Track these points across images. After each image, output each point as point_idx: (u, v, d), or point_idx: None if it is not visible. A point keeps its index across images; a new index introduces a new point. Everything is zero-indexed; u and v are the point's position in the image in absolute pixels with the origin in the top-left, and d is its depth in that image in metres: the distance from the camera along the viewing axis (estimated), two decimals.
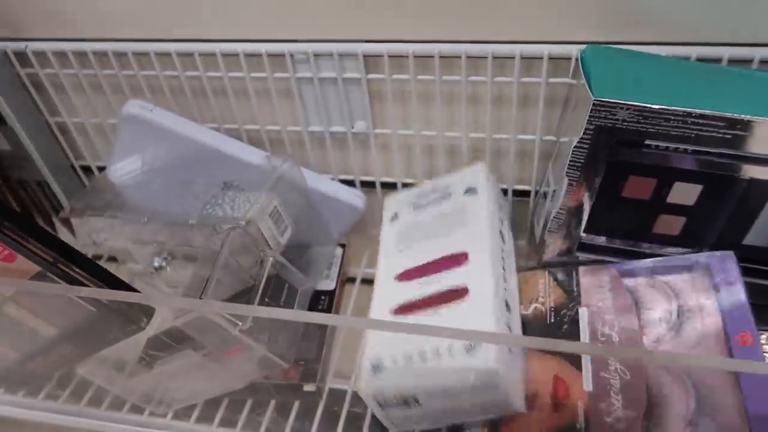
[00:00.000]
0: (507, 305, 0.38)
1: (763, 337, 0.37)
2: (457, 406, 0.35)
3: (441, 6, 0.41)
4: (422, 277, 0.40)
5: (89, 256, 0.58)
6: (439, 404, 0.35)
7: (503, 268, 0.40)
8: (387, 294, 0.40)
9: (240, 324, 0.36)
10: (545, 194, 0.44)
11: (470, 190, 0.44)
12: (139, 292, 0.37)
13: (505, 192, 0.49)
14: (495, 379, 0.33)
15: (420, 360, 0.34)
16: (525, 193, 0.49)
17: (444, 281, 0.39)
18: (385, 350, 0.36)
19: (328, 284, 0.50)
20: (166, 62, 0.48)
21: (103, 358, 0.42)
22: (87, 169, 0.58)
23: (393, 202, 0.48)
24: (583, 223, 0.40)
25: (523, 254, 0.52)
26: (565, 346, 0.24)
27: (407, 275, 0.41)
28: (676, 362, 0.34)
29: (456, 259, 0.40)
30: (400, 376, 0.34)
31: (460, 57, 0.42)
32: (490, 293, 0.36)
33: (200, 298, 0.36)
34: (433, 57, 0.42)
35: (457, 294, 0.38)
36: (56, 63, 0.49)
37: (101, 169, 0.56)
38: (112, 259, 0.57)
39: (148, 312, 0.37)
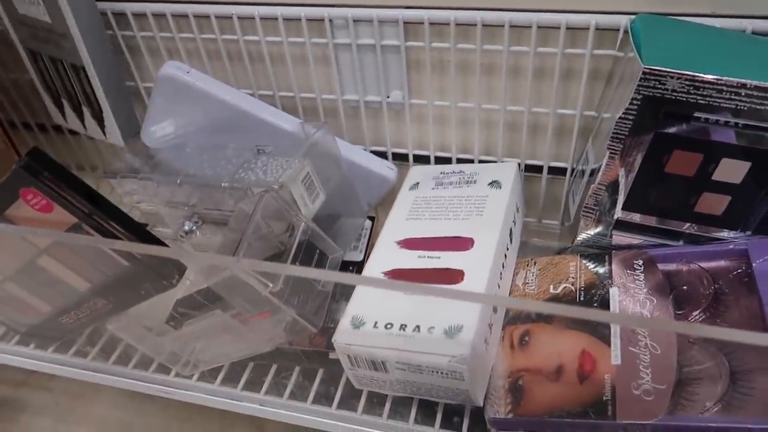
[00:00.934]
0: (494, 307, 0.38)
1: None
2: (421, 383, 0.36)
3: None
4: (423, 251, 0.40)
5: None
6: (405, 377, 0.36)
7: (503, 266, 0.41)
8: (384, 256, 0.41)
9: (271, 285, 0.36)
10: (582, 172, 0.43)
11: (495, 183, 0.44)
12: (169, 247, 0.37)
13: (540, 169, 0.48)
14: (463, 369, 0.33)
15: (399, 330, 0.35)
16: (561, 171, 0.47)
17: (443, 260, 0.39)
18: (370, 311, 0.37)
19: (357, 256, 0.49)
20: (204, 25, 0.47)
21: (134, 314, 0.42)
22: None
23: (417, 171, 0.48)
24: (621, 200, 0.39)
25: (556, 235, 0.51)
26: (565, 310, 0.23)
27: (409, 244, 0.41)
28: (696, 332, 0.34)
29: (462, 242, 0.40)
30: (375, 339, 0.35)
31: (503, 26, 0.41)
32: (483, 285, 0.37)
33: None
34: (475, 25, 0.41)
35: (451, 276, 0.38)
36: None
37: None
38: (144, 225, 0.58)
39: (180, 269, 0.37)
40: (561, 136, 0.46)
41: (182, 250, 0.42)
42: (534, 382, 0.36)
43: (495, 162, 0.49)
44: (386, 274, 0.40)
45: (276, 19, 0.45)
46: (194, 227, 0.48)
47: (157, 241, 0.36)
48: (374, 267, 0.41)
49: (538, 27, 0.40)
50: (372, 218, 0.52)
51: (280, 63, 0.48)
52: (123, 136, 0.53)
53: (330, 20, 0.44)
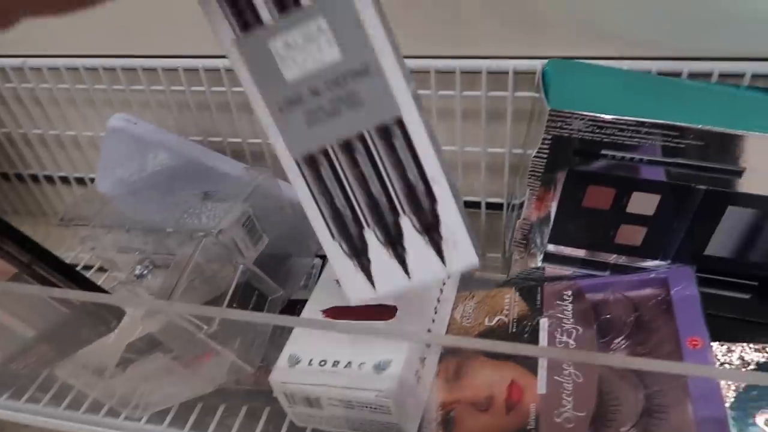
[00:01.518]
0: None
1: (724, 347, 0.37)
2: (355, 418, 0.36)
3: (411, 22, 0.42)
4: None
5: (82, 264, 0.60)
6: (339, 413, 0.36)
7: (438, 300, 0.42)
8: (324, 295, 0.42)
9: (205, 327, 0.37)
10: (514, 207, 0.45)
11: None
12: (106, 292, 0.38)
13: (477, 205, 0.49)
14: (389, 403, 0.34)
15: (332, 366, 0.36)
16: (499, 206, 0.49)
17: None
18: (306, 349, 0.38)
19: (306, 294, 0.50)
20: (152, 77, 0.50)
21: (81, 360, 0.43)
22: (81, 181, 0.60)
23: None
24: (548, 234, 0.41)
25: (498, 268, 0.53)
26: (489, 345, 0.24)
27: None
28: (611, 362, 0.35)
29: None
30: (309, 376, 0.36)
31: (429, 72, 0.43)
32: (415, 320, 0.38)
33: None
34: None
35: (385, 311, 0.39)
36: (50, 78, 0.51)
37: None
38: (103, 269, 0.59)
39: (118, 314, 0.38)
40: (497, 174, 0.48)
41: (119, 295, 0.43)
42: (465, 414, 0.37)
43: None
44: (325, 312, 0.41)
45: (219, 70, 0.47)
46: (145, 272, 0.49)
47: (94, 287, 0.37)
48: (314, 306, 0.42)
49: (462, 72, 0.42)
50: (323, 256, 0.54)
51: (227, 111, 0.50)
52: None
53: None
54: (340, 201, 0.30)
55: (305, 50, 0.27)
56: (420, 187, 0.29)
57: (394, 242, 0.30)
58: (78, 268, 0.59)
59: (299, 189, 0.30)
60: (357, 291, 0.31)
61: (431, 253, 0.30)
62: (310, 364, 0.37)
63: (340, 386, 0.36)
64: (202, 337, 0.37)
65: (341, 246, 0.31)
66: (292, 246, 0.51)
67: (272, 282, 0.43)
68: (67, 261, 0.59)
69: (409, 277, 0.30)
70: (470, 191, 0.50)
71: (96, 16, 0.48)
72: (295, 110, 0.28)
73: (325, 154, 0.29)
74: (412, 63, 0.42)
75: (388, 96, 0.27)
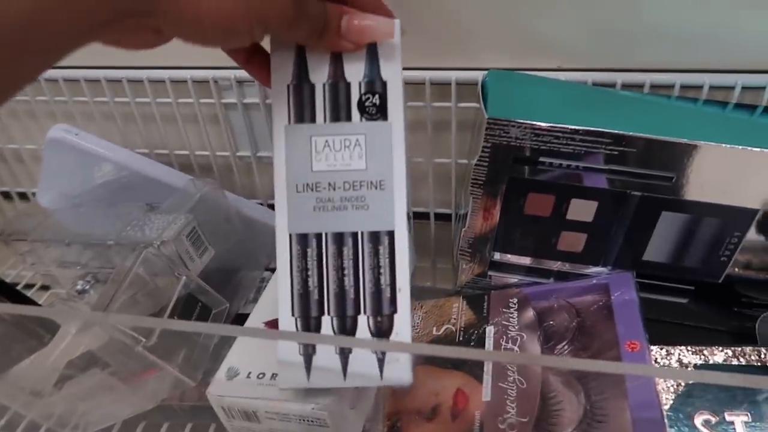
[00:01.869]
0: None
1: (663, 350, 0.37)
2: None
3: None
4: None
5: (24, 283, 0.58)
6: (277, 427, 0.36)
7: None
8: (267, 307, 0.42)
9: (144, 340, 0.36)
10: (461, 217, 0.45)
11: None
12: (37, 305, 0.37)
13: (426, 216, 0.50)
14: (325, 415, 0.34)
15: (270, 379, 0.36)
16: (449, 217, 0.50)
17: None
18: (245, 361, 0.37)
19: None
20: (96, 89, 0.49)
21: (16, 380, 0.41)
22: (23, 195, 0.58)
23: None
24: (492, 242, 0.41)
25: (449, 280, 0.53)
26: (433, 350, 0.24)
27: None
28: (552, 363, 0.35)
29: None
30: (247, 389, 0.35)
31: None
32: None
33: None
34: None
35: None
36: None
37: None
38: (45, 287, 0.57)
39: (51, 328, 0.37)
40: (444, 184, 0.49)
41: (50, 308, 0.41)
42: (411, 423, 0.37)
43: None
44: (267, 324, 0.41)
45: (164, 81, 0.46)
46: (87, 287, 0.48)
47: (25, 301, 0.36)
48: (257, 317, 0.41)
49: (407, 83, 0.43)
50: (273, 270, 0.53)
51: (173, 123, 0.49)
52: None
53: (215, 81, 0.46)
54: (313, 282, 0.33)
55: (338, 153, 0.33)
56: (387, 294, 0.33)
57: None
58: (19, 287, 0.58)
59: (281, 259, 0.33)
60: (290, 376, 0.33)
61: (373, 359, 0.33)
62: (248, 376, 0.36)
63: (277, 399, 0.35)
64: (141, 350, 0.36)
65: (297, 323, 0.33)
66: (240, 259, 0.51)
67: (217, 294, 0.43)
68: (8, 279, 0.57)
69: (344, 379, 0.32)
70: (419, 202, 0.50)
71: None
72: (309, 195, 0.33)
73: (318, 238, 0.33)
74: None
75: (389, 211, 0.32)
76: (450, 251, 0.52)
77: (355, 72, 0.33)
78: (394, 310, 0.33)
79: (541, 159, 0.37)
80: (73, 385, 0.40)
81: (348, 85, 0.33)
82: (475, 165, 0.38)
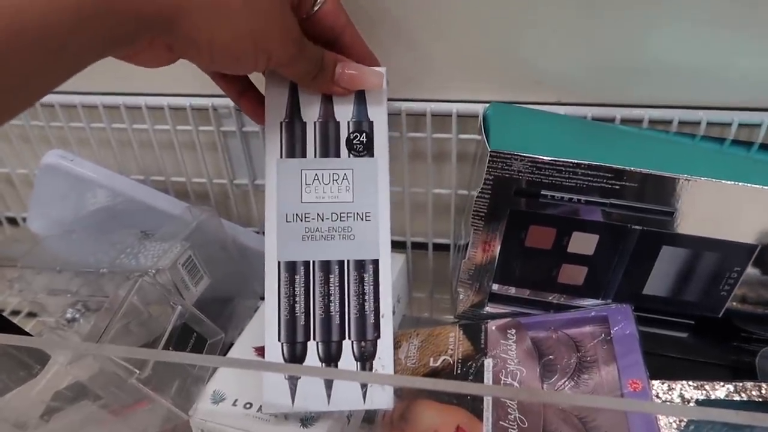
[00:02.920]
0: None
1: (664, 385, 0.37)
2: None
3: None
4: None
5: (10, 309, 0.57)
6: None
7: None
8: (256, 331, 0.41)
9: (137, 372, 0.35)
10: (460, 248, 0.45)
11: None
12: (28, 334, 0.36)
13: (425, 246, 0.49)
14: None
15: (257, 412, 0.35)
16: (447, 247, 0.49)
17: None
18: (232, 387, 0.37)
19: None
20: (93, 114, 0.48)
21: (0, 410, 0.40)
22: (13, 221, 0.57)
23: None
24: (493, 274, 0.41)
25: (447, 309, 0.52)
26: (430, 384, 0.24)
27: None
28: (554, 400, 0.35)
29: None
30: (232, 418, 0.35)
31: None
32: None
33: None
34: None
35: None
36: None
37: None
38: (33, 314, 0.56)
39: (41, 358, 0.36)
40: (443, 214, 0.49)
41: (41, 338, 0.40)
42: None
43: None
44: (257, 350, 0.40)
45: (162, 108, 0.46)
46: (77, 315, 0.47)
47: (14, 329, 0.35)
48: (246, 342, 0.41)
49: (407, 114, 0.43)
50: None
51: (171, 150, 0.49)
52: None
53: (215, 109, 0.46)
54: (300, 308, 0.35)
55: (327, 186, 0.35)
56: (371, 319, 0.35)
57: (331, 361, 0.35)
58: (5, 314, 0.56)
59: (269, 286, 0.35)
60: (275, 399, 0.34)
61: (356, 384, 0.34)
62: (234, 404, 0.36)
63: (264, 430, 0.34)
64: (135, 382, 0.35)
65: (282, 348, 0.34)
66: (235, 288, 0.50)
67: (212, 324, 0.42)
68: None
69: (329, 403, 0.34)
70: (418, 232, 0.50)
71: None
72: (298, 225, 0.35)
73: (306, 266, 0.35)
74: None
75: (374, 241, 0.35)
76: (447, 281, 0.52)
77: (344, 112, 0.36)
78: (378, 335, 0.35)
79: (543, 192, 0.37)
80: (60, 417, 0.39)
81: (337, 124, 0.35)
82: (477, 197, 0.38)
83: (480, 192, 0.37)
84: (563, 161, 0.35)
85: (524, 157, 0.35)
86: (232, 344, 0.47)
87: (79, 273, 0.44)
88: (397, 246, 0.50)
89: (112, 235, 0.46)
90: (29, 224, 0.49)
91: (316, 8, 0.33)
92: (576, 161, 0.35)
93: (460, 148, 0.44)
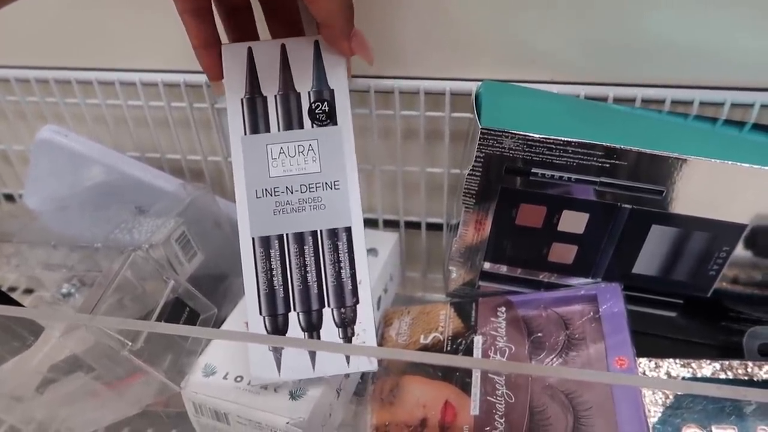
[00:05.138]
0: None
1: (651, 363, 0.38)
2: None
3: None
4: None
5: (8, 286, 0.57)
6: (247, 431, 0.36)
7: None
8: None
9: (130, 344, 0.36)
10: (452, 227, 0.45)
11: (372, 251, 0.46)
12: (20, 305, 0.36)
13: (418, 225, 0.50)
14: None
15: (247, 384, 0.36)
16: (440, 227, 0.50)
17: None
18: (224, 361, 0.37)
19: None
20: (88, 90, 0.48)
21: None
22: (10, 197, 0.57)
23: None
24: (484, 252, 0.41)
25: (440, 288, 0.53)
26: (417, 356, 0.24)
27: None
28: (541, 372, 0.36)
29: None
30: (222, 390, 0.36)
31: (368, 91, 0.43)
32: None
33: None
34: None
35: None
36: None
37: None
38: (29, 290, 0.56)
39: (34, 330, 0.36)
40: (436, 193, 0.49)
41: (35, 309, 0.41)
42: None
43: (376, 221, 0.51)
44: (248, 325, 0.40)
45: (156, 85, 0.46)
46: (73, 290, 0.47)
47: (8, 301, 0.35)
48: (238, 318, 0.41)
49: (401, 92, 0.43)
50: None
51: (165, 126, 0.49)
52: None
53: (208, 85, 0.46)
54: (278, 281, 0.35)
55: (294, 159, 0.35)
56: (348, 286, 0.35)
57: (313, 330, 0.35)
58: (2, 289, 0.57)
59: (246, 262, 0.35)
60: (261, 371, 0.34)
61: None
62: (225, 377, 0.36)
63: (253, 407, 0.35)
64: (127, 354, 0.36)
65: (264, 321, 0.35)
66: (229, 265, 0.50)
67: (205, 299, 0.42)
68: None
69: (314, 369, 0.34)
70: (411, 211, 0.50)
71: (28, 26, 0.47)
72: (268, 199, 0.35)
73: (280, 239, 0.35)
74: (353, 82, 0.43)
75: (345, 209, 0.35)
76: (441, 260, 0.52)
77: (304, 83, 0.35)
78: (357, 301, 0.35)
79: (534, 170, 0.37)
80: (55, 389, 0.39)
81: (298, 96, 0.35)
82: (468, 175, 0.38)
83: (471, 170, 0.37)
84: (554, 139, 0.35)
85: (515, 134, 0.35)
86: (225, 319, 0.48)
87: (74, 248, 0.44)
88: (390, 225, 0.51)
89: (107, 210, 0.46)
90: (25, 200, 0.50)
91: None
92: (567, 139, 0.35)
93: (454, 127, 0.44)
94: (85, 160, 0.46)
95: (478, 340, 0.40)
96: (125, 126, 0.50)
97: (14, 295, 0.56)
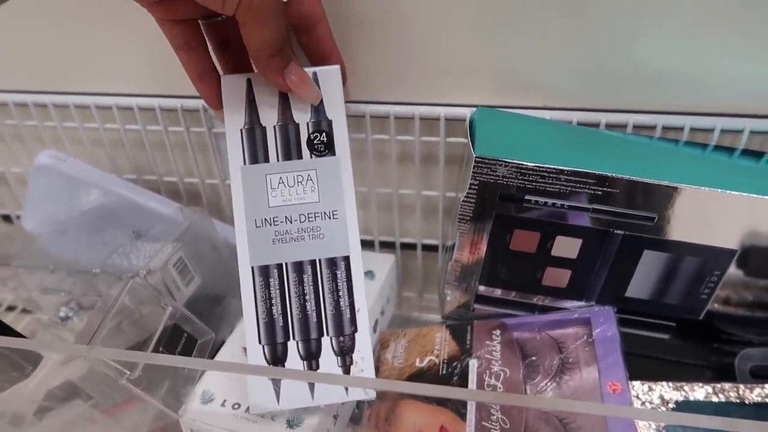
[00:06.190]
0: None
1: (645, 386, 0.38)
2: None
3: (349, 70, 0.43)
4: None
5: (5, 306, 0.57)
6: None
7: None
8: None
9: (128, 373, 0.36)
10: (447, 249, 0.46)
11: (369, 273, 0.47)
12: (21, 336, 0.37)
13: (413, 246, 0.50)
14: None
15: (244, 412, 0.36)
16: (436, 248, 0.50)
17: None
18: (222, 388, 0.38)
19: None
20: (86, 115, 0.49)
21: None
22: (7, 218, 0.58)
23: None
24: (479, 275, 0.42)
25: (436, 309, 0.53)
26: (422, 389, 0.25)
27: None
28: (535, 404, 0.36)
29: None
30: (220, 418, 0.36)
31: (364, 116, 0.44)
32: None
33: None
34: None
35: None
36: None
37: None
38: (27, 311, 0.57)
39: (33, 359, 0.36)
40: (431, 215, 0.49)
41: (34, 340, 0.41)
42: None
43: (372, 242, 0.51)
44: (246, 350, 0.40)
45: (154, 109, 0.47)
46: (71, 313, 0.47)
47: (6, 330, 0.35)
48: (236, 342, 0.42)
49: (396, 118, 0.44)
50: None
51: (162, 150, 0.49)
52: None
53: (205, 110, 0.46)
54: (277, 309, 0.35)
55: (293, 188, 0.35)
56: (347, 314, 0.36)
57: (311, 358, 0.35)
58: (1, 309, 0.57)
59: (245, 292, 0.35)
60: (260, 400, 0.34)
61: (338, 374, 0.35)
62: (223, 404, 0.37)
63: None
64: (125, 383, 0.36)
65: (264, 350, 0.35)
66: (226, 287, 0.50)
67: (202, 324, 0.42)
68: None
69: (312, 398, 0.34)
70: (407, 233, 0.50)
71: (28, 51, 0.48)
72: (268, 229, 0.35)
73: (279, 268, 0.35)
74: (349, 107, 0.44)
75: (343, 238, 0.35)
76: (436, 281, 0.52)
77: (302, 114, 0.36)
78: (355, 329, 0.36)
79: (527, 197, 0.37)
80: (53, 416, 0.40)
81: (297, 126, 0.36)
82: (462, 201, 0.38)
83: (466, 196, 0.38)
84: (547, 167, 0.36)
85: (509, 162, 0.36)
86: (223, 342, 0.48)
87: (72, 273, 0.44)
88: (386, 246, 0.51)
89: (105, 234, 0.47)
90: (23, 223, 0.50)
91: None
92: (560, 168, 0.36)
93: (448, 151, 0.44)
94: (83, 185, 0.46)
95: (473, 364, 0.40)
96: (122, 149, 0.50)
97: (13, 315, 0.56)
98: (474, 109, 0.41)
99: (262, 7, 0.29)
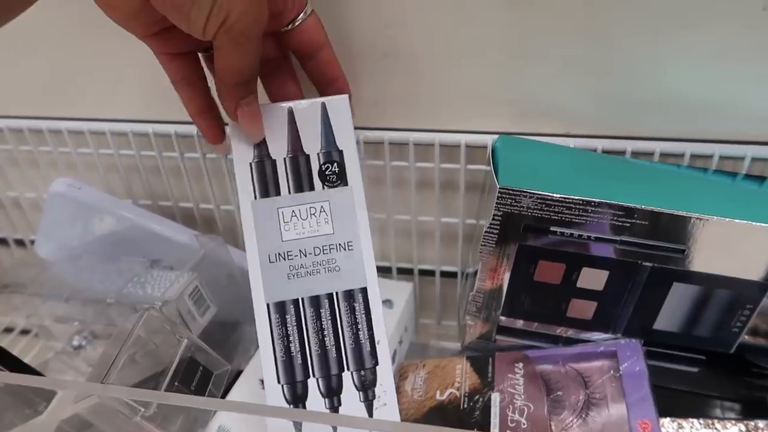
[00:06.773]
0: None
1: (674, 423, 0.37)
2: None
3: (363, 97, 0.43)
4: None
5: (19, 329, 0.57)
6: None
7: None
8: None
9: (143, 410, 0.35)
10: (468, 276, 0.45)
11: (387, 302, 0.46)
12: (39, 374, 0.36)
13: (432, 273, 0.49)
14: None
15: None
16: (455, 275, 0.49)
17: None
18: (237, 424, 0.37)
19: None
20: (101, 141, 0.48)
21: None
22: (21, 243, 0.57)
23: None
24: (501, 306, 0.41)
25: (455, 336, 0.52)
26: None
27: None
28: None
29: None
30: None
31: (383, 143, 0.43)
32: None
33: (102, 381, 0.35)
34: (358, 143, 0.43)
35: None
36: None
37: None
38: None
39: (47, 396, 0.36)
40: (451, 242, 0.48)
41: (47, 378, 0.40)
42: None
43: (390, 269, 0.50)
44: (262, 382, 0.40)
45: (170, 135, 0.46)
46: (84, 342, 0.47)
47: (20, 366, 0.35)
48: (252, 374, 0.41)
49: (415, 144, 0.43)
50: None
51: (178, 175, 0.49)
52: None
53: None
54: (295, 347, 0.34)
55: (305, 221, 0.34)
56: (367, 347, 0.35)
57: (333, 395, 0.34)
58: (14, 333, 0.56)
59: (261, 329, 0.34)
60: None
61: (362, 410, 0.34)
62: None
63: None
64: (140, 420, 0.35)
65: (283, 391, 0.34)
66: (242, 313, 0.50)
67: (218, 356, 0.41)
68: (3, 327, 0.56)
69: None
70: (425, 259, 0.50)
71: (43, 77, 0.47)
72: (282, 264, 0.34)
73: (295, 304, 0.34)
74: (367, 134, 0.43)
75: (360, 269, 0.34)
76: (455, 308, 0.51)
77: (312, 144, 0.35)
78: (376, 362, 0.35)
79: (552, 228, 0.36)
80: None
81: (307, 157, 0.35)
82: (485, 231, 0.37)
83: (489, 227, 0.37)
84: (573, 198, 0.35)
85: (534, 194, 0.35)
86: (239, 371, 0.47)
87: (86, 302, 0.44)
88: (405, 273, 0.50)
89: (120, 262, 0.46)
90: (37, 249, 0.49)
91: (299, 20, 0.33)
92: (586, 199, 0.35)
93: (468, 178, 0.44)
94: (98, 212, 0.46)
95: (495, 398, 0.39)
96: (137, 174, 0.50)
97: (26, 340, 0.56)
98: (495, 136, 0.40)
99: (241, 34, 0.28)
